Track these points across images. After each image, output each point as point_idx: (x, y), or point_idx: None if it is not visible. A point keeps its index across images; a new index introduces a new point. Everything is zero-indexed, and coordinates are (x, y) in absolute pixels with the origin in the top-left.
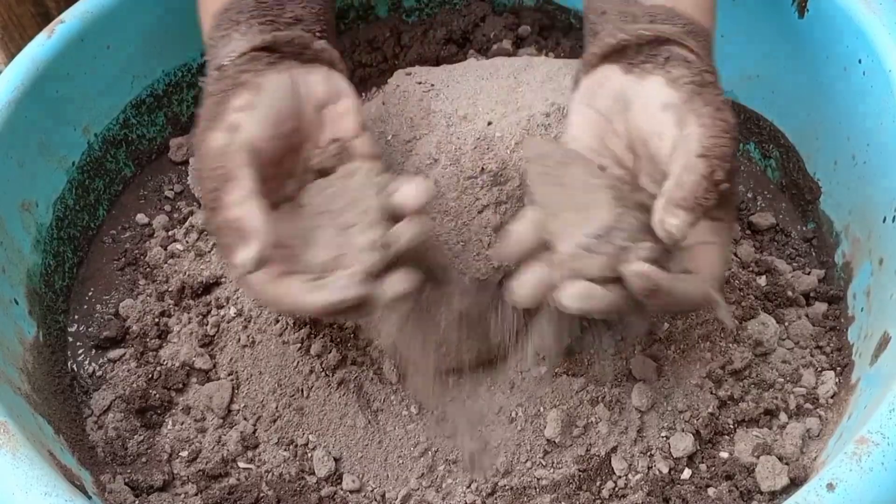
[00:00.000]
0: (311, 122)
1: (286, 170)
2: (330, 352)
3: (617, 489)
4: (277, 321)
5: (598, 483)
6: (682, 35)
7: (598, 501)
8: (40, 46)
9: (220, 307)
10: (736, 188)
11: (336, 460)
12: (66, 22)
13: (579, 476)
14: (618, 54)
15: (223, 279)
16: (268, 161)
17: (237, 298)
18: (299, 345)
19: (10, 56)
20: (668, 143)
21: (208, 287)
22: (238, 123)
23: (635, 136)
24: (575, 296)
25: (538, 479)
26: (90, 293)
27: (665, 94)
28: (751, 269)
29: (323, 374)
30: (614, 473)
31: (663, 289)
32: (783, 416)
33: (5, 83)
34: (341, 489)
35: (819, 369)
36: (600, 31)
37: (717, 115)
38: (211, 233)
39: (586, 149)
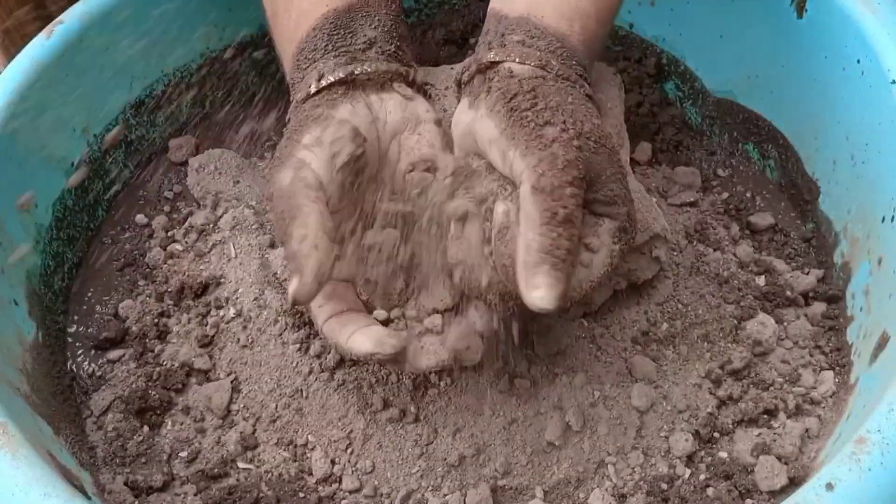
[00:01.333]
0: (389, 149)
1: (360, 196)
2: (329, 352)
3: (616, 489)
4: (276, 322)
5: (597, 483)
6: (513, 49)
7: (598, 502)
8: (39, 47)
9: (219, 307)
10: (615, 188)
11: (335, 461)
12: (66, 23)
13: (579, 476)
14: (469, 86)
15: (223, 279)
16: (338, 192)
17: (236, 299)
18: (298, 345)
19: (10, 58)
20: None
21: (207, 287)
22: (304, 160)
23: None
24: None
25: (537, 480)
26: (90, 294)
27: (487, 130)
28: (749, 268)
29: (322, 374)
30: (614, 474)
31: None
32: (782, 416)
33: (4, 84)
34: (340, 489)
35: (818, 369)
36: (475, 54)
37: (534, 135)
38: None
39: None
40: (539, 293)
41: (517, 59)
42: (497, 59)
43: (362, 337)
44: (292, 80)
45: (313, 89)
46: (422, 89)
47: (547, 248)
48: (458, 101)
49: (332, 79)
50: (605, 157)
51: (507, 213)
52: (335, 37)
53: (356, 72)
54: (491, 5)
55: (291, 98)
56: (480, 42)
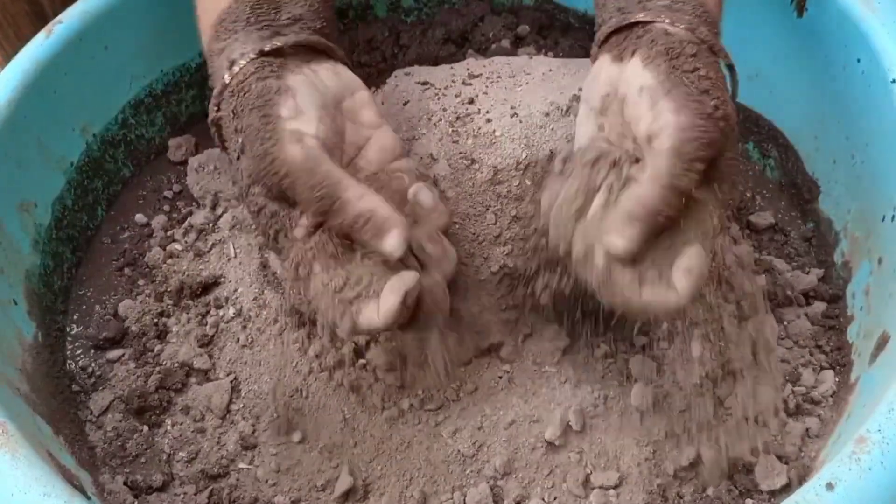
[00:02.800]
0: (338, 118)
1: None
2: (329, 352)
3: (616, 489)
4: (276, 321)
5: (597, 483)
6: (660, 13)
7: (598, 501)
8: (39, 46)
9: (218, 307)
10: (723, 171)
11: (334, 461)
12: (65, 22)
13: (578, 476)
14: (608, 45)
15: (222, 279)
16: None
17: (236, 299)
18: (298, 345)
19: (5, 54)
20: (643, 129)
21: (207, 287)
22: (299, 131)
23: (627, 125)
24: None
25: (537, 480)
26: (89, 294)
27: (641, 77)
28: (750, 268)
29: (322, 374)
30: (614, 473)
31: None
32: (783, 416)
33: (4, 83)
34: (339, 489)
35: (818, 368)
36: (601, 23)
37: (693, 94)
38: (340, 234)
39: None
40: (622, 242)
41: (668, 21)
42: (647, 18)
43: (386, 291)
44: (209, 52)
45: (237, 66)
46: (349, 64)
47: (656, 209)
48: (594, 62)
49: (252, 55)
50: (734, 139)
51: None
52: (258, 10)
53: (280, 43)
54: None
55: (210, 70)
56: (605, 5)
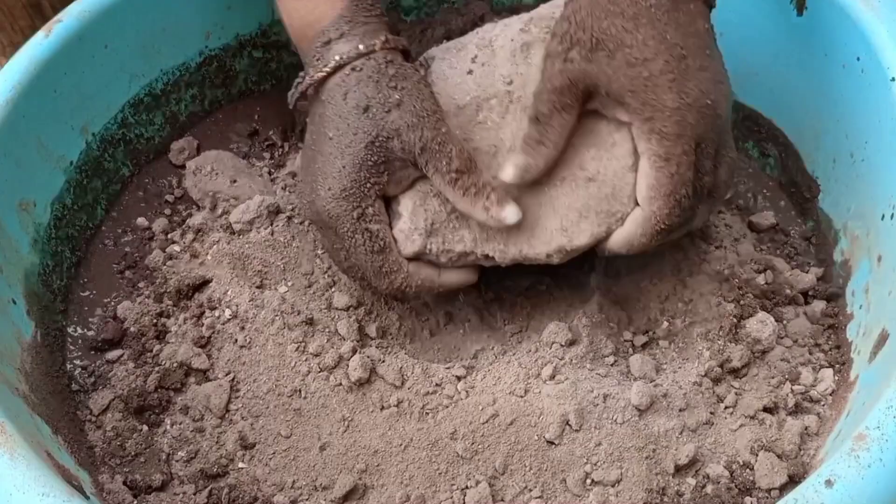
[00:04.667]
0: None
1: None
2: (327, 352)
3: (615, 487)
4: (274, 322)
5: (596, 481)
6: None
7: (597, 500)
8: (38, 45)
9: (216, 308)
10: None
11: (332, 460)
12: (64, 21)
13: (578, 474)
14: None
15: (220, 279)
16: None
17: (232, 299)
18: (296, 345)
19: (2, 48)
20: None
21: (204, 287)
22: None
23: None
24: None
25: (536, 479)
26: (89, 295)
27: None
28: (750, 266)
29: (321, 374)
30: (613, 471)
31: None
32: (782, 414)
33: (3, 82)
34: (338, 488)
35: (817, 367)
36: None
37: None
38: (473, 190)
39: None
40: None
41: None
42: None
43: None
44: (336, 30)
45: (388, 44)
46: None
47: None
48: None
49: (394, 45)
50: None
51: None
52: (368, 9)
53: (402, 45)
54: None
55: (317, 50)
56: None
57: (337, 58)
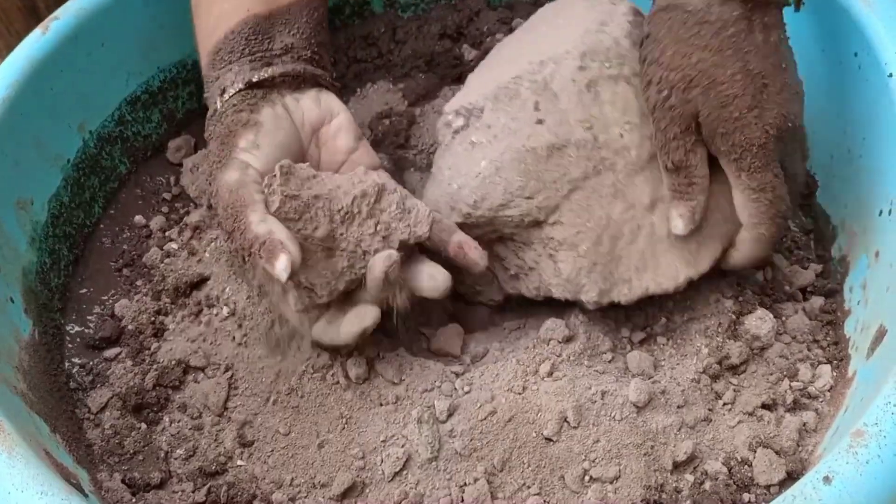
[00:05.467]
0: (310, 146)
1: None
2: (319, 356)
3: (613, 484)
4: (263, 317)
5: (594, 478)
6: None
7: (595, 497)
8: (35, 43)
9: (214, 305)
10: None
11: (330, 458)
12: (61, 19)
13: (575, 471)
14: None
15: (217, 277)
16: None
17: (230, 297)
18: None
19: None
20: None
21: (203, 285)
22: (247, 162)
23: None
24: None
25: (534, 476)
26: (87, 293)
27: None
28: None
29: (316, 374)
30: (611, 469)
31: None
32: (780, 410)
33: (0, 79)
34: (337, 486)
35: (815, 363)
36: None
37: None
38: (240, 257)
39: None
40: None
41: None
42: None
43: (347, 322)
44: (206, 78)
45: (227, 95)
46: (335, 89)
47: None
48: None
49: (240, 85)
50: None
51: None
52: (252, 41)
53: (267, 74)
54: None
55: (206, 94)
56: None
57: (209, 113)
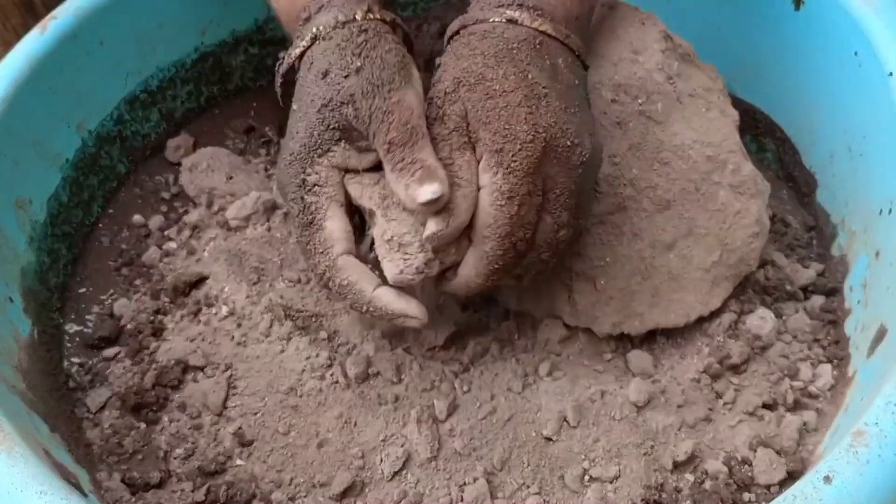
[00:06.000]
0: None
1: None
2: (324, 349)
3: (613, 483)
4: (262, 317)
5: (594, 477)
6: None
7: (595, 496)
8: (33, 42)
9: (213, 305)
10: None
11: (329, 457)
12: (60, 18)
13: (575, 471)
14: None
15: (216, 276)
16: None
17: (229, 296)
18: (293, 342)
19: None
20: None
21: (202, 284)
22: (418, 90)
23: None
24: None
25: (534, 475)
26: (86, 292)
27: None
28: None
29: (315, 373)
30: (611, 468)
31: None
32: (781, 410)
33: None
34: (335, 484)
35: (816, 362)
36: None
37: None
38: (400, 164)
39: None
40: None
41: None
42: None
43: (394, 297)
44: (302, 17)
45: (372, 15)
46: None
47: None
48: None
49: (382, 16)
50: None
51: None
52: None
53: (391, 18)
54: None
55: (303, 22)
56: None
57: (314, 30)
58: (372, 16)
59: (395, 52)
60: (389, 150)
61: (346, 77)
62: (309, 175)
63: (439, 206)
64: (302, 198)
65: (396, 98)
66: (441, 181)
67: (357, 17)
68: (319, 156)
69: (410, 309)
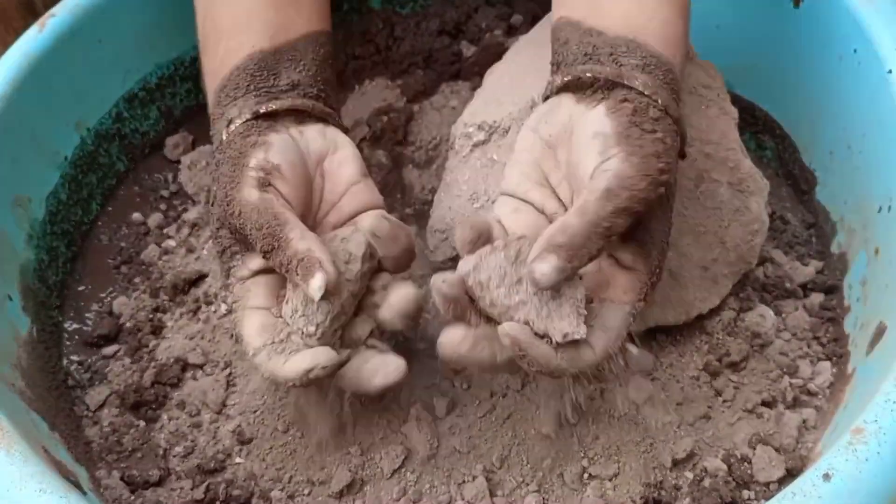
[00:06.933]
0: (315, 175)
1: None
2: None
3: (612, 481)
4: None
5: (593, 475)
6: (633, 73)
7: (594, 493)
8: (32, 41)
9: (212, 303)
10: (655, 237)
11: (328, 456)
12: (58, 16)
13: (575, 469)
14: (574, 86)
15: (216, 274)
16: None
17: (226, 295)
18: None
19: None
20: (588, 171)
21: (201, 282)
22: (260, 178)
23: (570, 165)
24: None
25: (533, 473)
26: (84, 290)
27: (599, 123)
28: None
29: None
30: (610, 465)
31: (529, 355)
32: (780, 407)
33: None
34: (335, 483)
35: (815, 360)
36: (561, 62)
37: (644, 152)
38: (278, 269)
39: (522, 175)
40: (546, 266)
41: (639, 83)
42: (620, 80)
43: (299, 356)
44: (213, 116)
45: (234, 125)
46: (341, 127)
47: (577, 242)
48: (545, 100)
49: (247, 115)
50: (668, 209)
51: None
52: (258, 77)
53: (275, 107)
54: (560, 13)
55: (212, 132)
56: (563, 53)
57: (214, 146)
58: (235, 124)
59: (233, 158)
60: (266, 258)
61: (212, 206)
62: (227, 299)
63: (332, 286)
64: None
65: (237, 209)
66: (319, 265)
67: (223, 136)
68: (227, 275)
69: (316, 359)
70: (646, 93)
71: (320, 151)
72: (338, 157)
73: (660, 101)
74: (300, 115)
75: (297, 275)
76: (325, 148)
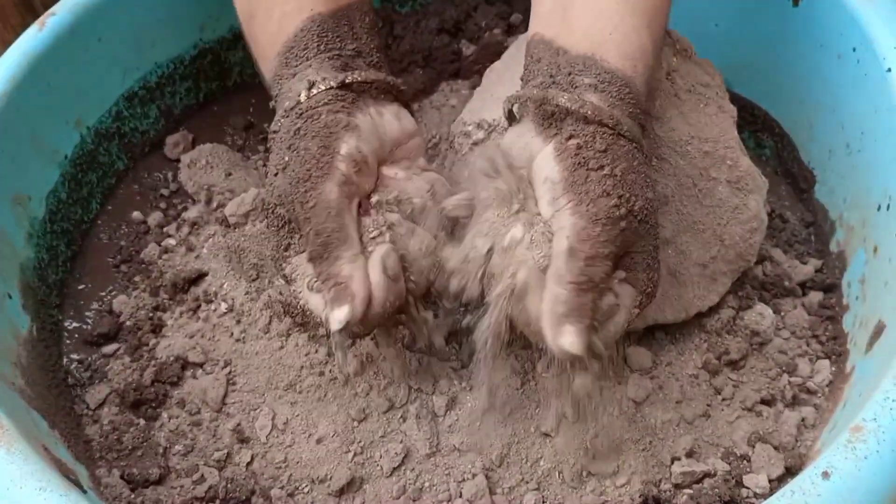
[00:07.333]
0: (387, 159)
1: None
2: (317, 351)
3: (612, 479)
4: (261, 313)
5: (592, 473)
6: (585, 94)
7: (594, 492)
8: (32, 39)
9: (212, 301)
10: (637, 259)
11: (328, 455)
12: (58, 14)
13: (574, 467)
14: (535, 113)
15: (215, 273)
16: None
17: (228, 293)
18: (292, 338)
19: None
20: (547, 217)
21: (201, 281)
22: (349, 176)
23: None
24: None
25: (533, 471)
26: (84, 289)
27: (548, 167)
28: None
29: (314, 370)
30: (609, 464)
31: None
32: (779, 406)
33: None
34: (334, 482)
35: (814, 358)
36: (531, 79)
37: (592, 195)
38: (316, 276)
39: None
40: (568, 340)
41: (588, 109)
42: (569, 104)
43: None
44: (278, 77)
45: (317, 90)
46: (410, 108)
47: (574, 305)
48: (511, 123)
49: (333, 83)
50: (645, 231)
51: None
52: (325, 39)
53: (360, 78)
54: (534, 29)
55: (276, 94)
56: (534, 71)
57: (286, 104)
58: (319, 88)
59: (321, 136)
60: (310, 261)
61: (276, 175)
62: (283, 269)
63: (353, 325)
64: (284, 284)
65: (313, 202)
66: (351, 301)
67: (301, 97)
68: (285, 250)
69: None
70: (595, 119)
71: (396, 139)
72: (411, 145)
73: (610, 124)
74: (378, 91)
75: (329, 293)
76: (400, 135)
